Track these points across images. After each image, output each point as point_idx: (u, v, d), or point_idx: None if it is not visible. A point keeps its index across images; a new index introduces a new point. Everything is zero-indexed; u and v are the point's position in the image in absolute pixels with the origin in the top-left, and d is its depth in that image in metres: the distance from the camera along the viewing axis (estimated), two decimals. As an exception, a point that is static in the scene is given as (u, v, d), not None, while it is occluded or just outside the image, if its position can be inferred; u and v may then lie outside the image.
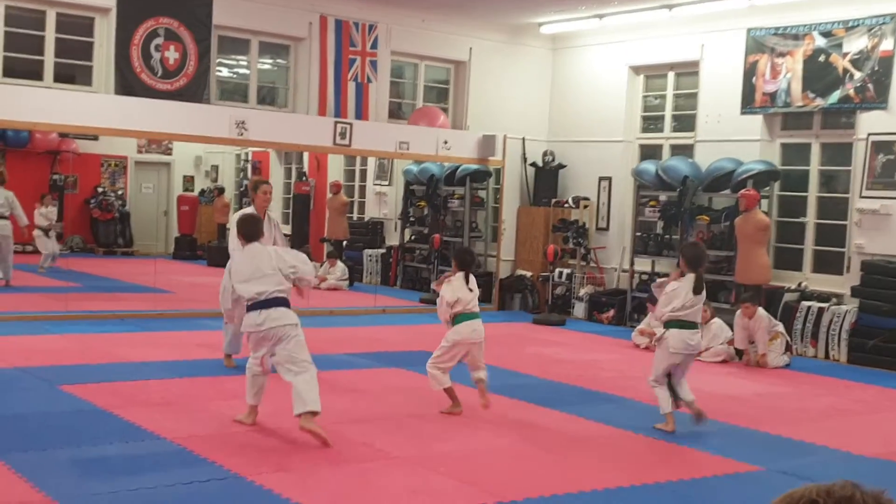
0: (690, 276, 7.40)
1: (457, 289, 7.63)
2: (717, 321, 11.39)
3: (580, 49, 15.74)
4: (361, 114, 14.34)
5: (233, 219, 8.78)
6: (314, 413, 6.54)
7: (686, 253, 7.64)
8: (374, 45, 14.49)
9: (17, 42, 12.47)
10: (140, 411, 7.21)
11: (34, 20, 12.54)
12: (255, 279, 6.76)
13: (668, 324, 7.45)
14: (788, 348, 11.23)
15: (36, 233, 16.03)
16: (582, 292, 14.57)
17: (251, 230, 7.03)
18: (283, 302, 6.79)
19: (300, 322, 6.81)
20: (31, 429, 6.63)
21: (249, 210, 8.67)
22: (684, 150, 14.24)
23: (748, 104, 13.23)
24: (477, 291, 7.79)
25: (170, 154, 22.23)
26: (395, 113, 15.36)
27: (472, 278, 7.75)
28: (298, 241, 18.74)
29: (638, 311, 13.69)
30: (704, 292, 7.51)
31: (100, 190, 21.02)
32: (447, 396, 7.70)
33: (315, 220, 19.40)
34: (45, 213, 16.10)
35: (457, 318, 7.61)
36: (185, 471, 5.85)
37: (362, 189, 19.34)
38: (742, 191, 12.19)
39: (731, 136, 13.38)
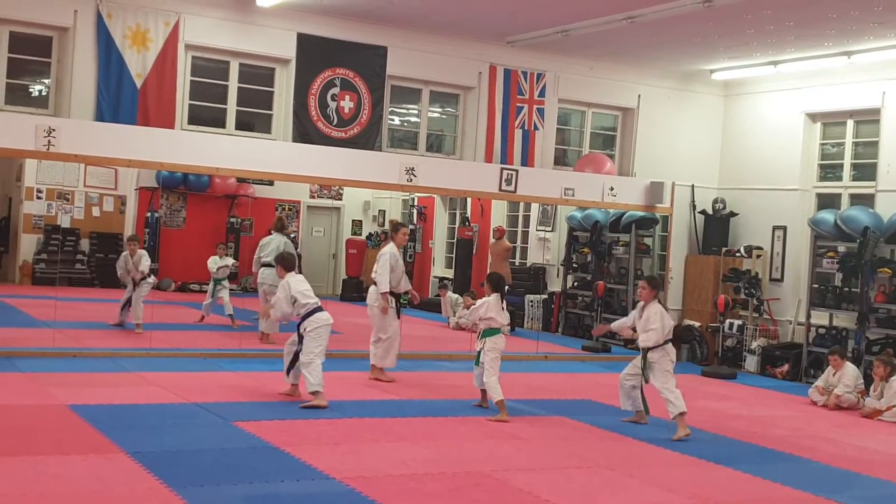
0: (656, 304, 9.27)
1: (492, 307, 9.39)
2: (900, 379, 10.78)
3: (754, 96, 15.41)
4: (527, 160, 14.40)
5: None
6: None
7: (652, 284, 9.49)
8: (542, 94, 14.55)
9: (203, 91, 13.14)
10: (311, 450, 7.36)
11: (219, 70, 13.19)
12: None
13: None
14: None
15: None
16: (754, 345, 14.07)
17: (287, 264, 9.60)
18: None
19: None
20: (207, 464, 6.85)
21: (389, 247, 10.99)
22: (864, 200, 13.69)
23: (934, 153, 12.67)
24: (506, 313, 9.66)
25: (340, 199, 22.90)
26: (561, 159, 15.35)
27: (503, 300, 9.56)
28: (461, 285, 18.91)
29: (814, 367, 13.12)
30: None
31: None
32: (484, 398, 9.60)
33: (477, 264, 19.52)
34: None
35: (487, 332, 9.39)
36: (353, 512, 5.93)
37: (525, 235, 19.37)
38: (929, 243, 11.60)
39: (915, 187, 12.84)
